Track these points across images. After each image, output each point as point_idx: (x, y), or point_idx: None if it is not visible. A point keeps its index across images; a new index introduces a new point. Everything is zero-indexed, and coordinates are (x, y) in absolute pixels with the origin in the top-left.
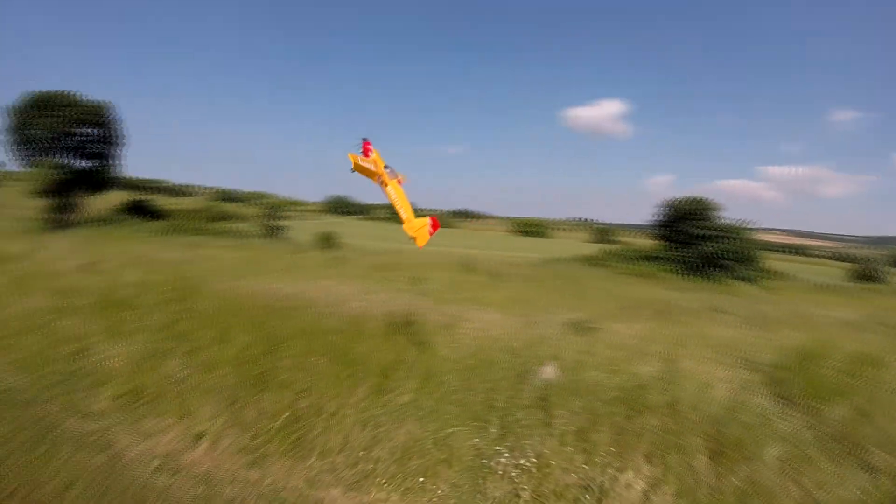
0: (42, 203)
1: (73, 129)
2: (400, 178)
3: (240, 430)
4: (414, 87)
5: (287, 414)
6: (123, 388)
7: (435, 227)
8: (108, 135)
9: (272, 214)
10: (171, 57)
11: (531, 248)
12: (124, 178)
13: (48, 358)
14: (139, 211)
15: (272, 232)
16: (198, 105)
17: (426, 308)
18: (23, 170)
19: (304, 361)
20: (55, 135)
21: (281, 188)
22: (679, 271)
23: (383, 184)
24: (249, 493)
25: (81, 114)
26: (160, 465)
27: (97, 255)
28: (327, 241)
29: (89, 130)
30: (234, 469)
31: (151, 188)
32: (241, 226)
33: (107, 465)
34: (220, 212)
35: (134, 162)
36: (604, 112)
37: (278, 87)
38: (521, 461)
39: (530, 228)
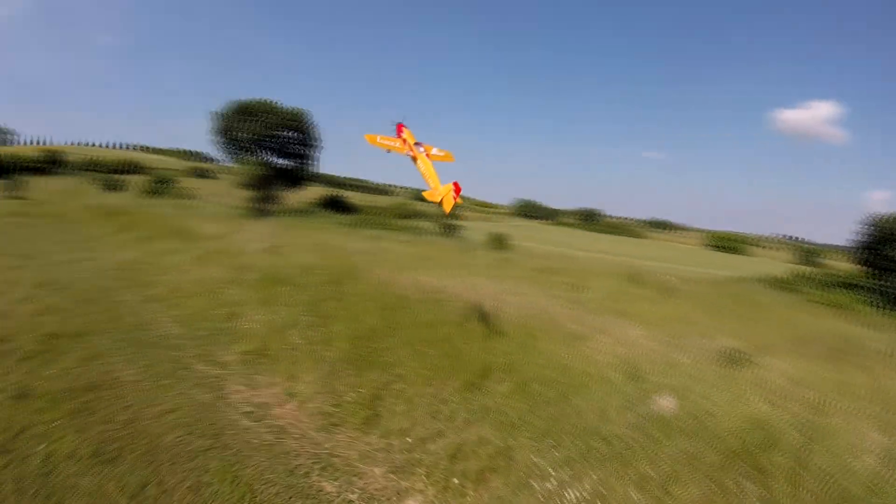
0: (247, 194)
1: (274, 133)
2: (428, 152)
3: (327, 397)
4: (611, 86)
5: (371, 392)
6: (252, 347)
7: (457, 191)
8: (305, 137)
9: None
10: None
11: (721, 265)
12: (323, 175)
13: (205, 317)
14: (333, 205)
15: (449, 231)
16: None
17: (567, 315)
18: (232, 165)
19: (413, 349)
20: (258, 137)
21: (473, 190)
22: (877, 304)
23: (413, 158)
24: (307, 451)
25: (281, 119)
26: (249, 411)
27: (282, 240)
28: (498, 243)
29: (289, 133)
30: (305, 429)
31: (351, 185)
32: (424, 223)
33: (208, 403)
34: (408, 210)
35: (342, 162)
36: (815, 115)
37: (473, 91)
38: (574, 493)
39: (726, 243)
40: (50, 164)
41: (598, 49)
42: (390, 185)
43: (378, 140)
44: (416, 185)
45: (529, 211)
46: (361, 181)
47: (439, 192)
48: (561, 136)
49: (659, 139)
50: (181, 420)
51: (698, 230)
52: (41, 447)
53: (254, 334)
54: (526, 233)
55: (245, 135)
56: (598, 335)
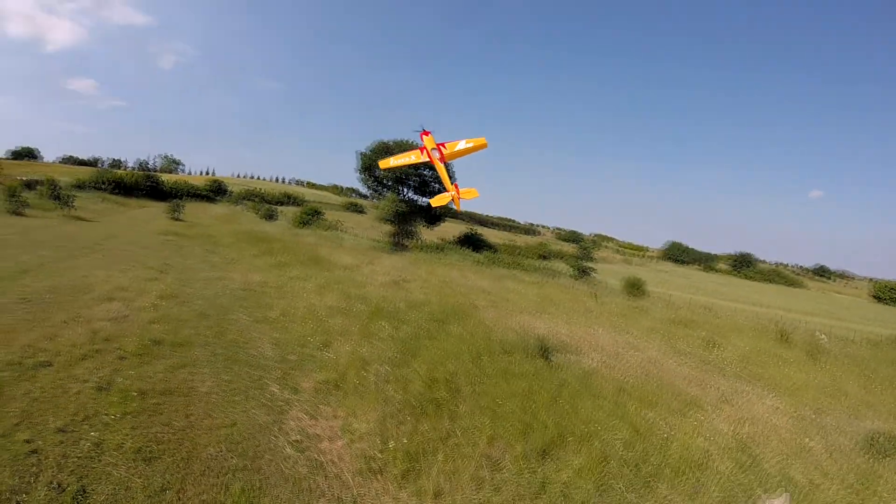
0: (387, 228)
1: (411, 171)
2: (452, 148)
3: (377, 441)
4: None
5: (423, 442)
6: (331, 376)
7: (459, 195)
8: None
9: (583, 255)
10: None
11: (888, 322)
12: (466, 212)
13: (301, 342)
14: (470, 242)
15: (583, 274)
16: (547, 150)
17: (690, 377)
18: (375, 201)
19: (489, 401)
20: (398, 175)
21: (621, 230)
22: None
23: (432, 160)
24: (333, 493)
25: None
26: (297, 440)
27: (408, 274)
28: (634, 289)
29: (427, 172)
30: (342, 469)
31: (495, 224)
32: (559, 265)
33: (264, 425)
34: (547, 250)
35: (489, 199)
36: None
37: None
38: None
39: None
40: (214, 192)
41: (763, 85)
42: (537, 225)
43: (392, 162)
44: (565, 226)
45: (678, 254)
46: (508, 220)
47: (447, 195)
48: (721, 176)
49: (826, 176)
50: (230, 436)
51: (867, 279)
52: (94, 434)
53: (338, 365)
54: (669, 278)
55: (386, 173)
56: (719, 405)
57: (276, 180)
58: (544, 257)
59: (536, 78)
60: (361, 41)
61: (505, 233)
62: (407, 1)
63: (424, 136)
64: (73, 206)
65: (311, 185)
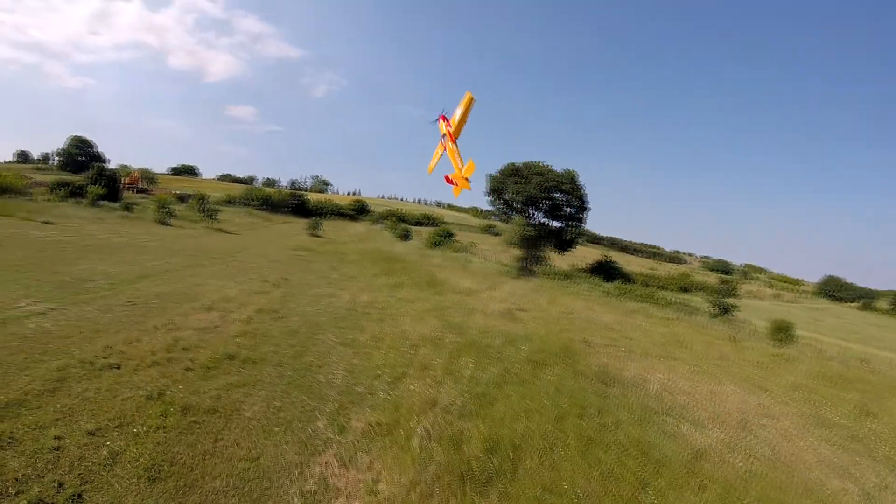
0: (516, 253)
1: (543, 194)
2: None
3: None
4: None
5: None
6: (384, 419)
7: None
8: (574, 199)
9: (726, 290)
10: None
11: None
12: (605, 237)
13: (376, 372)
14: (603, 270)
15: (723, 312)
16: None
17: (830, 461)
18: (504, 224)
19: (554, 480)
20: (527, 198)
21: (777, 262)
22: None
23: (446, 147)
24: None
25: (552, 181)
26: (313, 491)
27: (527, 303)
28: (779, 332)
29: (558, 195)
30: None
31: (637, 250)
32: (697, 299)
33: (288, 465)
34: (688, 282)
35: (635, 227)
36: None
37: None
38: None
39: None
40: (357, 211)
41: None
42: (684, 253)
43: (433, 166)
44: (715, 254)
45: (835, 290)
46: (652, 247)
47: (460, 175)
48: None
49: None
50: (245, 472)
51: None
52: (119, 443)
53: (399, 406)
54: (821, 318)
55: (515, 195)
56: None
57: (418, 202)
58: (685, 289)
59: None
60: (496, 69)
61: (647, 260)
62: (534, 27)
63: (442, 122)
64: (216, 219)
65: (451, 208)
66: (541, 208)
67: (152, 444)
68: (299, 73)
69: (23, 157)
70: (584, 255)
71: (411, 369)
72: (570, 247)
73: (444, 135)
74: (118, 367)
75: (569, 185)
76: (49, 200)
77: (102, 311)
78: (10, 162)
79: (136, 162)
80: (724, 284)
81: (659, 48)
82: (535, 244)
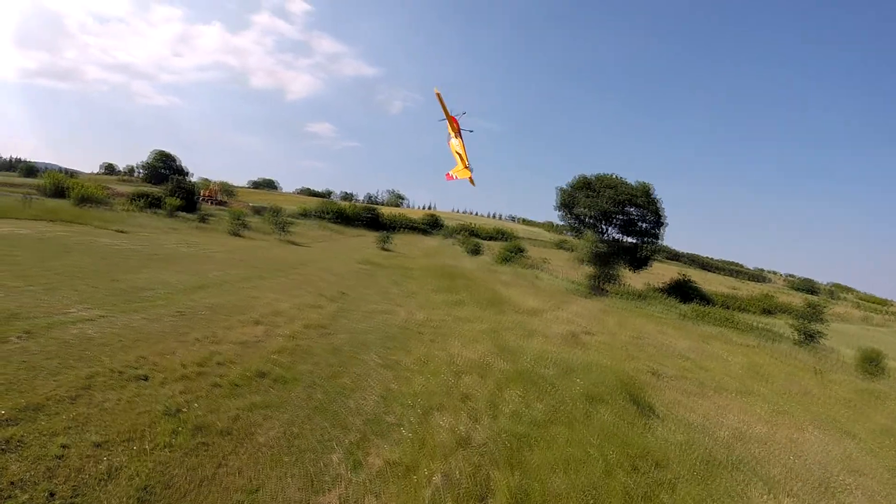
0: (587, 270)
1: (616, 208)
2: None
3: None
4: None
5: None
6: (404, 459)
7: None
8: (649, 214)
9: (812, 314)
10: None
11: None
12: (684, 254)
13: (411, 401)
14: (679, 290)
15: (809, 338)
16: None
17: None
18: (575, 239)
19: None
20: (600, 212)
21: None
22: None
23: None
24: None
25: (626, 194)
26: None
27: (594, 326)
28: (868, 363)
29: (632, 210)
30: None
31: (716, 268)
32: (780, 322)
33: (290, 499)
34: (771, 303)
35: (711, 240)
36: None
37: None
38: None
39: None
40: (429, 225)
41: None
42: (767, 271)
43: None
44: (799, 272)
45: None
46: (733, 264)
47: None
48: None
49: None
50: None
51: None
52: (121, 458)
53: (423, 444)
54: None
55: (587, 210)
56: None
57: (491, 216)
58: (768, 312)
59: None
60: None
61: (728, 278)
62: (609, 37)
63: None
64: (288, 232)
65: (525, 222)
66: (614, 223)
67: (154, 463)
68: (374, 90)
69: (109, 169)
70: (661, 272)
71: (450, 399)
72: (645, 264)
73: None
74: (145, 379)
75: (643, 199)
76: (127, 210)
77: (149, 321)
78: (97, 173)
79: (218, 176)
80: (809, 308)
81: (731, 56)
82: (608, 261)
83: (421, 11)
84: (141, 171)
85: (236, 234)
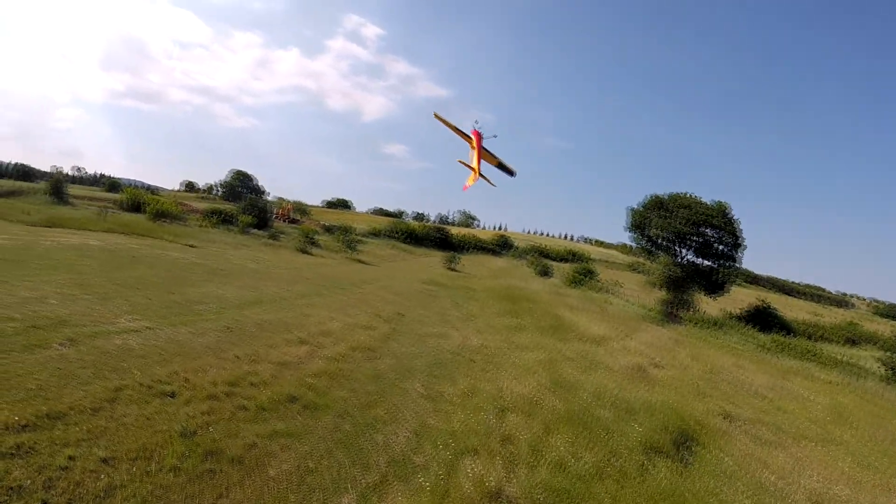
0: (660, 295)
1: (691, 230)
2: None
3: None
4: None
5: None
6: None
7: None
8: (726, 235)
9: None
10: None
11: None
12: (763, 277)
13: (445, 441)
14: (758, 318)
15: None
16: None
17: None
18: (646, 262)
19: None
20: (673, 234)
21: None
22: None
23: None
24: None
25: (700, 215)
26: None
27: (665, 357)
28: None
29: (708, 231)
30: None
31: (799, 292)
32: (867, 355)
33: None
34: (857, 332)
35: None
36: None
37: None
38: None
39: None
40: (499, 246)
41: None
42: (850, 295)
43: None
44: (884, 296)
45: None
46: (815, 288)
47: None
48: None
49: None
50: None
51: None
52: (123, 477)
53: (446, 494)
54: None
55: (660, 231)
56: None
57: (564, 237)
58: (852, 341)
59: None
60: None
61: (811, 303)
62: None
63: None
64: (356, 250)
65: (599, 244)
66: (689, 245)
67: (154, 486)
68: (447, 111)
69: (189, 186)
70: (739, 297)
71: (488, 441)
72: (721, 289)
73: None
74: (172, 396)
75: (720, 219)
76: (201, 226)
77: (194, 335)
78: (177, 191)
79: (294, 194)
80: None
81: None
82: (682, 286)
83: (490, 32)
84: (219, 189)
85: (305, 252)
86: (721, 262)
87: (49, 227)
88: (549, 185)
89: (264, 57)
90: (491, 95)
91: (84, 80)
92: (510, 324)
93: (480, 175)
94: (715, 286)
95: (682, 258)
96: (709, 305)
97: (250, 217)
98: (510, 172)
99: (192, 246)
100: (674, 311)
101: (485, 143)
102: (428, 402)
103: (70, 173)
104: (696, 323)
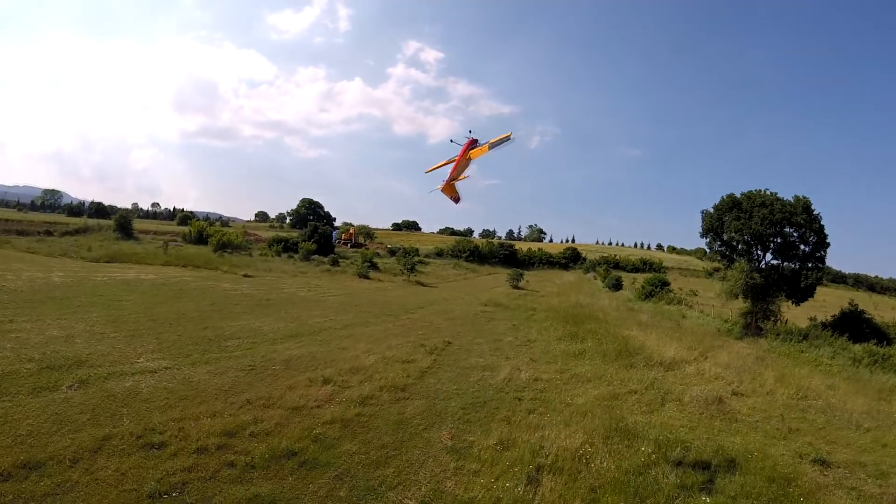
0: (739, 305)
1: (770, 230)
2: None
3: None
4: None
5: None
6: None
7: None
8: (809, 234)
9: None
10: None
11: None
12: (853, 275)
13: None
14: (848, 324)
15: None
16: None
17: None
18: (722, 270)
19: None
20: (752, 236)
21: None
22: None
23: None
24: None
25: (781, 213)
26: None
27: (745, 383)
28: None
29: (789, 231)
30: None
31: (885, 289)
32: None
33: None
34: None
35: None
36: None
37: None
38: None
39: None
40: (569, 259)
41: None
42: None
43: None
44: None
45: None
46: None
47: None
48: None
49: None
50: None
51: None
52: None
53: None
54: None
55: (736, 234)
56: None
57: (637, 246)
58: None
59: None
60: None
61: None
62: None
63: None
64: (417, 272)
65: (673, 251)
66: (770, 247)
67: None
68: (512, 127)
69: (261, 216)
70: (824, 299)
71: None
72: (810, 295)
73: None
74: (159, 447)
75: (802, 217)
76: (263, 255)
77: (212, 375)
78: (251, 221)
79: (364, 219)
80: None
81: None
82: (765, 293)
83: (550, 46)
84: (289, 217)
85: (364, 277)
86: (805, 263)
87: (109, 262)
88: (623, 195)
89: (329, 89)
90: (556, 109)
91: (159, 122)
92: (570, 349)
93: (448, 189)
94: (801, 292)
95: (761, 262)
96: (790, 311)
97: (311, 244)
98: (507, 139)
99: (247, 276)
100: (755, 322)
101: (473, 139)
102: (451, 458)
103: (146, 209)
104: (780, 335)
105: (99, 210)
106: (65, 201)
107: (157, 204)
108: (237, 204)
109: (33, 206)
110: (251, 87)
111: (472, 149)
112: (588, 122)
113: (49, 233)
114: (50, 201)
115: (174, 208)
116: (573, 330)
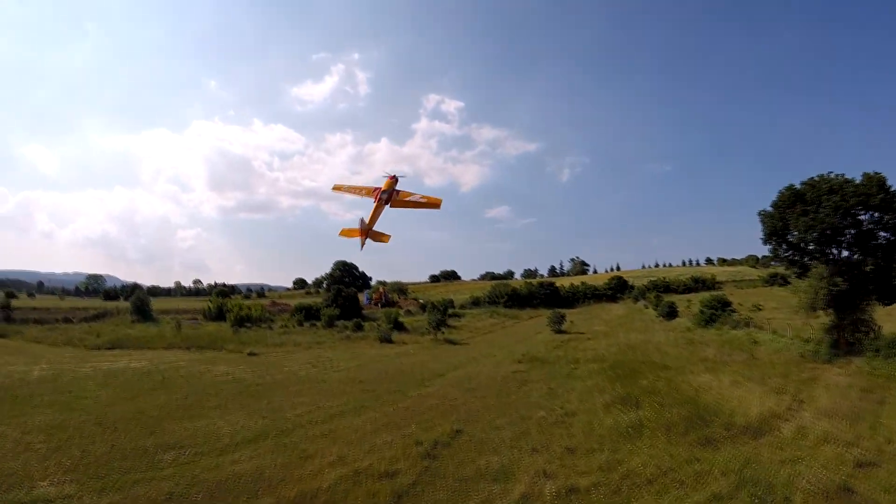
0: (821, 320)
1: (842, 222)
2: (405, 196)
3: None
4: None
5: None
6: None
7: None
8: (889, 217)
9: None
10: None
11: None
12: None
13: None
14: None
15: None
16: None
17: None
18: (796, 278)
19: None
20: (823, 232)
21: None
22: None
23: (375, 200)
24: None
25: (854, 197)
26: None
27: (868, 439)
28: None
29: (866, 217)
30: None
31: None
32: None
33: None
34: None
35: None
36: None
37: None
38: None
39: None
40: (615, 290)
41: None
42: None
43: (344, 187)
44: None
45: None
46: None
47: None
48: None
49: None
50: None
51: None
52: None
53: None
54: None
55: (804, 233)
56: None
57: (685, 263)
58: None
59: None
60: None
61: None
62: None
63: (389, 180)
64: (446, 328)
65: (724, 262)
66: (843, 242)
67: None
68: (541, 163)
69: (299, 283)
70: None
71: None
72: None
73: (386, 191)
74: None
75: (879, 198)
76: (283, 326)
77: None
78: (290, 289)
79: (403, 274)
80: None
81: None
82: (851, 301)
83: (565, 75)
84: (325, 282)
85: (386, 340)
86: (890, 253)
87: (110, 348)
88: (661, 212)
89: (358, 152)
90: (582, 138)
91: (199, 201)
92: (623, 422)
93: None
94: (890, 293)
95: (838, 260)
96: (885, 318)
97: (333, 309)
98: (434, 205)
99: (251, 354)
100: (844, 336)
101: (400, 186)
102: None
103: (189, 286)
104: (878, 351)
105: (135, 292)
106: (111, 284)
107: (199, 281)
108: (280, 273)
109: (77, 292)
110: (283, 158)
111: (389, 192)
112: (615, 145)
113: (68, 319)
114: (94, 286)
115: (214, 283)
116: (625, 390)
